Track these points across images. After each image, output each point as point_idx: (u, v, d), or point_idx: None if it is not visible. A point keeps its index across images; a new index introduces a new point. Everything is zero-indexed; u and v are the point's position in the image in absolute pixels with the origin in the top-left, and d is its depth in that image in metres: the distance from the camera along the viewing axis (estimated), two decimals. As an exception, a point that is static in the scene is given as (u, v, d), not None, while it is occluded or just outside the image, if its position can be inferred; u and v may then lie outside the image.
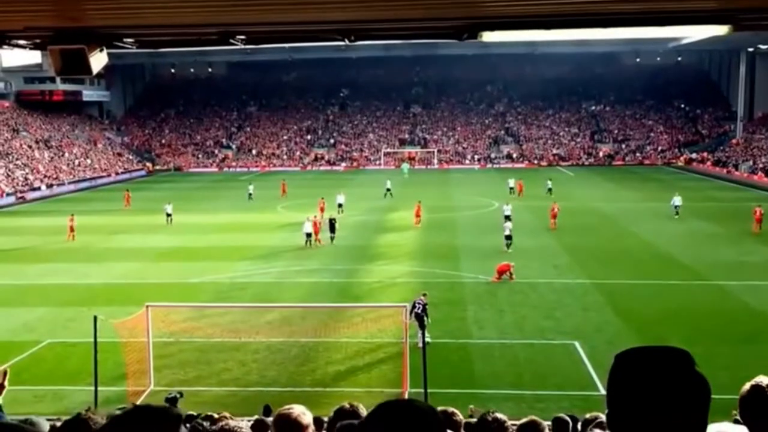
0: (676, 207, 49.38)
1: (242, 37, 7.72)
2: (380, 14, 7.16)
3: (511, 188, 63.16)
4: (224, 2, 6.42)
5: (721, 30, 6.79)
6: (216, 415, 9.60)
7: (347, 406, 5.28)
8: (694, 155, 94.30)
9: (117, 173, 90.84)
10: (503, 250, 37.52)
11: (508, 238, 38.00)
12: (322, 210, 50.46)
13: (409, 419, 1.93)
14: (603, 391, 20.24)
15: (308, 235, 40.44)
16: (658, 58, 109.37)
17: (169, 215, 49.55)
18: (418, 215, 47.47)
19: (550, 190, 61.50)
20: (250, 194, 62.88)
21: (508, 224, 38.80)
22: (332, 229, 41.91)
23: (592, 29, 7.02)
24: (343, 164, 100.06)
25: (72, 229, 44.03)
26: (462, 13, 6.90)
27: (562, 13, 6.60)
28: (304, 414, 4.31)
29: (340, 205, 52.74)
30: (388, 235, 44.84)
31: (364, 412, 5.06)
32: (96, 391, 18.57)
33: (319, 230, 40.93)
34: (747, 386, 3.38)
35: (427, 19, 7.25)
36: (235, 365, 21.79)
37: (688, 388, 1.89)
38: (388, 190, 62.84)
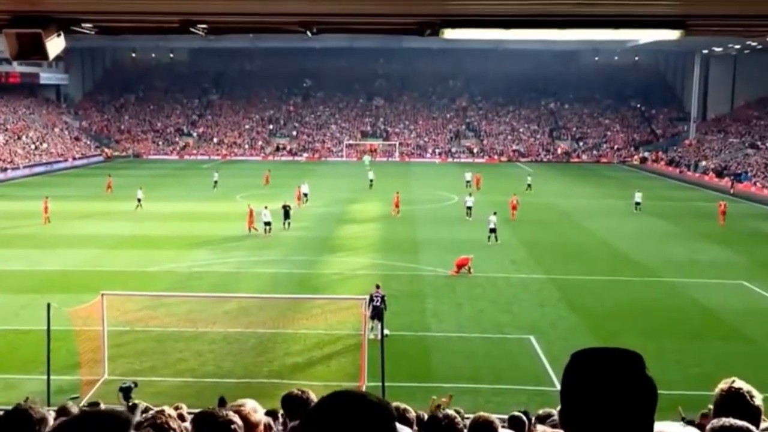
0: (637, 203, 51.36)
1: (204, 26, 7.65)
2: (343, 8, 7.16)
3: (468, 181, 63.98)
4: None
5: (673, 35, 6.93)
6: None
7: (296, 391, 5.15)
8: (647, 154, 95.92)
9: (74, 158, 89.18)
10: (487, 243, 38.06)
11: (493, 231, 38.49)
12: (298, 199, 51.30)
13: (360, 410, 1.90)
14: (558, 386, 20.67)
15: (267, 224, 40.39)
16: (616, 58, 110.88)
17: (139, 200, 49.47)
18: (397, 205, 47.92)
19: (529, 185, 62.32)
20: (216, 182, 62.66)
21: (493, 218, 39.18)
22: (287, 215, 42.40)
23: (550, 30, 7.11)
24: (305, 155, 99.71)
25: (46, 211, 43.86)
26: (425, 10, 6.94)
27: (522, 13, 6.72)
28: (255, 411, 4.19)
29: (305, 195, 53.04)
30: (349, 226, 44.91)
31: (314, 398, 4.93)
32: (48, 380, 18.28)
33: (254, 219, 40.77)
34: (723, 387, 3.67)
35: (389, 15, 7.27)
36: (192, 355, 21.62)
37: (637, 389, 1.96)
38: (371, 181, 63.92)
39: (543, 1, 6.29)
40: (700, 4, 6.48)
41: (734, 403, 3.54)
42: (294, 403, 4.97)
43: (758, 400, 3.59)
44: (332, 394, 1.96)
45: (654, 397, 2.00)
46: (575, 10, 6.38)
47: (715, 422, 3.32)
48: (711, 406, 4.32)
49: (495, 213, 39.71)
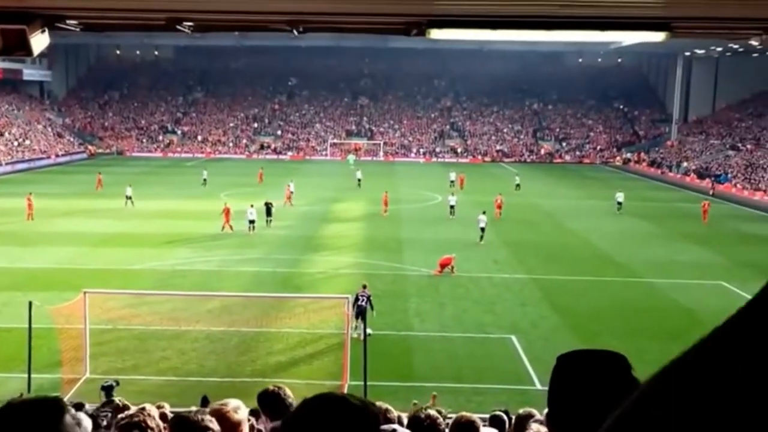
0: (619, 203, 51.90)
1: (189, 24, 7.65)
2: (329, 7, 7.18)
3: (452, 181, 64.22)
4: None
5: (658, 37, 6.98)
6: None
7: (271, 388, 5.11)
8: (630, 155, 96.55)
9: (57, 155, 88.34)
10: (477, 242, 38.38)
11: (482, 230, 38.77)
12: (288, 198, 51.34)
13: (342, 414, 1.85)
14: (539, 386, 20.65)
15: (251, 221, 40.42)
16: (600, 60, 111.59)
17: (128, 197, 49.45)
18: (386, 204, 47.94)
19: (517, 185, 62.60)
20: (204, 180, 62.51)
21: (482, 217, 39.38)
22: (269, 212, 42.56)
23: (537, 31, 7.16)
24: (289, 153, 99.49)
25: (30, 208, 43.75)
26: (411, 10, 6.97)
27: (509, 14, 6.75)
28: (236, 410, 4.16)
29: (291, 193, 53.06)
30: (333, 225, 44.90)
31: (289, 394, 4.96)
32: (29, 378, 18.20)
33: (230, 218, 40.63)
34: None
35: (376, 14, 7.30)
36: (174, 354, 21.56)
37: (623, 391, 1.67)
38: (359, 180, 63.98)
39: (529, 2, 6.35)
40: (684, 7, 6.54)
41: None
42: (270, 400, 4.95)
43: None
44: (314, 397, 1.91)
45: None
46: (561, 12, 6.44)
47: None
48: None
49: (484, 212, 39.96)
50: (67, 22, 7.43)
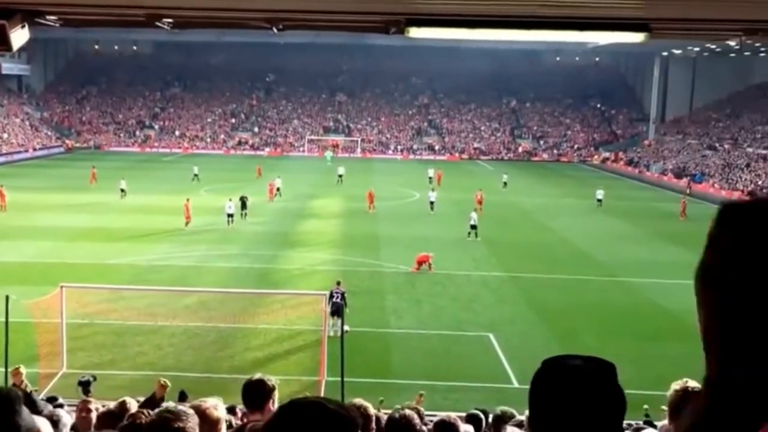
0: (599, 200, 53.34)
1: (169, 20, 7.66)
2: (308, 5, 7.22)
3: (431, 178, 64.56)
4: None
5: (637, 37, 7.04)
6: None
7: (256, 377, 5.14)
8: (607, 154, 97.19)
9: (34, 149, 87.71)
10: (468, 239, 38.60)
11: (473, 227, 39.05)
12: (270, 193, 51.96)
13: (319, 420, 1.84)
14: (516, 384, 20.72)
15: (230, 215, 40.74)
16: (577, 58, 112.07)
17: (123, 191, 50.18)
18: (371, 200, 47.83)
19: (505, 183, 62.84)
20: (196, 175, 62.44)
21: (474, 215, 39.83)
22: (243, 206, 42.98)
23: (516, 30, 7.21)
24: (267, 149, 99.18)
25: (3, 200, 43.75)
26: (390, 8, 7.00)
27: (488, 13, 6.77)
28: (216, 408, 4.15)
29: (278, 189, 53.53)
30: (310, 222, 44.85)
31: (273, 382, 5.01)
32: (6, 372, 18.07)
33: (190, 215, 40.41)
34: (676, 388, 3.69)
35: (355, 12, 7.33)
36: (151, 349, 21.51)
37: (607, 400, 1.92)
38: (340, 176, 63.97)
39: (508, 2, 6.39)
40: (663, 8, 6.57)
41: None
42: (255, 391, 4.97)
43: None
44: (290, 402, 1.90)
45: (623, 407, 1.95)
46: (540, 12, 6.48)
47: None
48: (664, 407, 4.33)
49: (475, 210, 40.50)
50: (47, 17, 7.41)
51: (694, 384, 3.69)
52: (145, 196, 52.34)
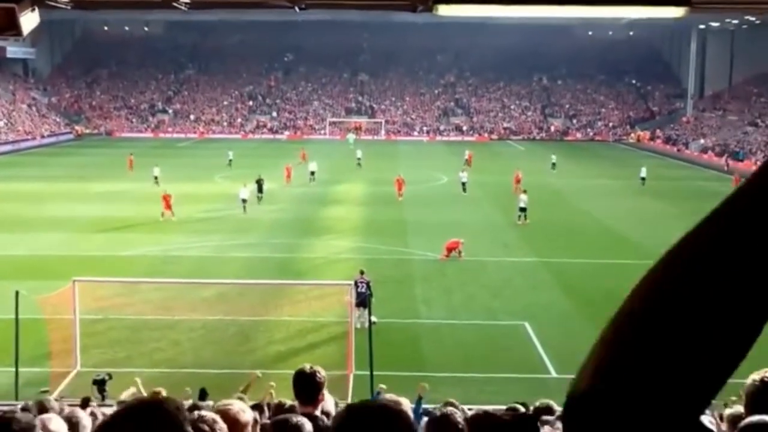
0: (642, 178, 53.36)
1: (186, 1, 6.90)
2: None
3: (466, 160, 63.21)
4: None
5: (678, 12, 6.70)
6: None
7: (308, 369, 5.31)
8: (641, 132, 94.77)
9: (43, 136, 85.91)
10: (516, 222, 38.01)
11: (523, 209, 38.34)
12: (288, 177, 51.33)
13: (381, 425, 1.95)
14: (554, 374, 19.70)
15: (243, 200, 39.80)
16: (610, 33, 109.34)
17: (156, 178, 48.99)
18: (400, 188, 45.59)
19: (553, 164, 61.73)
20: (230, 160, 61.32)
21: (523, 196, 39.03)
22: (260, 189, 42.88)
23: (549, 6, 6.66)
24: (286, 133, 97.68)
25: None
26: None
27: None
28: (243, 411, 4.09)
29: (312, 173, 52.58)
30: (332, 208, 43.87)
31: (323, 376, 5.21)
32: (17, 372, 17.31)
33: (170, 204, 38.04)
34: (755, 378, 3.55)
35: None
36: (169, 345, 20.76)
37: None
38: (359, 159, 63.11)
39: None
40: None
41: None
42: (305, 382, 5.18)
43: None
44: (349, 408, 2.07)
45: None
46: None
47: (754, 419, 3.21)
48: (742, 394, 4.22)
49: (525, 191, 39.69)
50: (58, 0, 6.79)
51: None
52: (162, 184, 50.91)
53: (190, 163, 64.25)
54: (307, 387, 5.16)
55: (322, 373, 5.25)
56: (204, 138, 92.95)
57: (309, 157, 59.91)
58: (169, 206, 38.05)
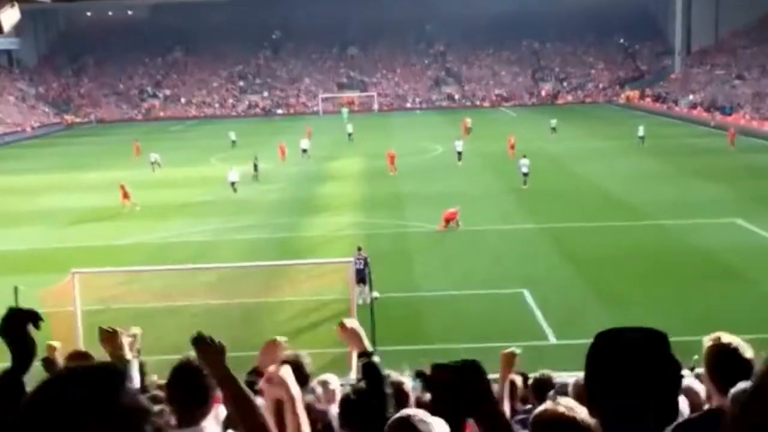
0: (641, 137, 53.17)
1: None
2: None
3: (469, 128, 63.41)
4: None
5: None
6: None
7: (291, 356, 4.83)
8: (631, 93, 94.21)
9: (32, 128, 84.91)
10: (521, 187, 38.22)
11: (525, 174, 38.57)
12: (282, 153, 51.13)
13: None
14: (553, 340, 19.81)
15: (232, 183, 39.70)
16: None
17: (153, 163, 48.84)
18: (392, 162, 45.11)
19: (553, 128, 61.50)
20: (233, 141, 60.83)
21: (525, 161, 39.08)
22: (255, 168, 43.65)
23: None
24: (279, 111, 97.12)
25: None
26: None
27: None
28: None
29: (304, 151, 52.38)
30: (328, 184, 43.57)
31: (308, 362, 4.97)
32: (21, 368, 17.29)
33: (129, 194, 37.12)
34: (708, 344, 3.76)
35: None
36: (173, 331, 20.49)
37: (662, 371, 2.04)
38: (350, 134, 62.86)
39: None
40: None
41: (728, 359, 3.62)
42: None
43: (749, 353, 3.66)
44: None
45: (679, 376, 2.10)
46: None
47: (737, 390, 3.35)
48: (696, 357, 4.61)
49: (525, 156, 39.66)
50: None
51: (729, 339, 3.71)
52: (151, 169, 50.53)
53: (185, 145, 63.85)
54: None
55: (307, 359, 5.04)
56: (198, 119, 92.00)
57: (312, 134, 60.04)
58: (126, 196, 37.11)
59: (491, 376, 6.42)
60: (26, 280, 21.06)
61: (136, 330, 5.10)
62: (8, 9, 6.11)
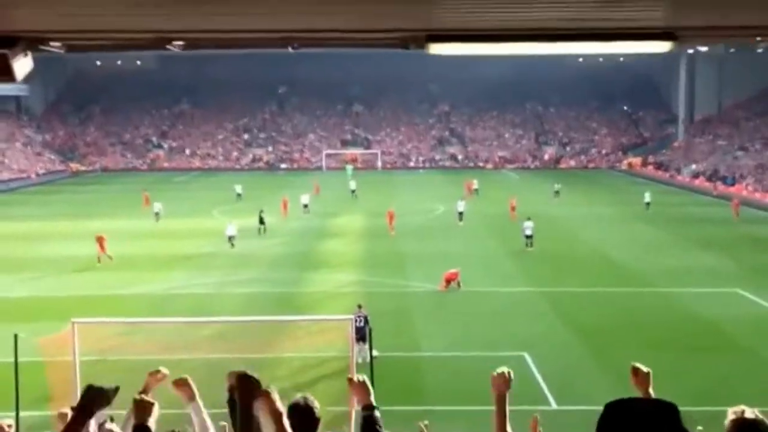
0: (647, 203, 54.32)
1: (180, 42, 7.12)
2: (325, 24, 6.90)
3: (476, 189, 64.50)
4: (161, 9, 5.85)
5: (664, 47, 6.81)
6: None
7: (301, 401, 4.87)
8: (633, 159, 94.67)
9: (37, 174, 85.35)
10: (525, 249, 38.47)
11: (529, 237, 38.84)
12: (284, 207, 51.69)
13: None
14: (554, 406, 19.76)
15: (230, 237, 40.16)
16: (601, 59, 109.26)
17: (157, 214, 49.67)
18: (391, 221, 45.04)
19: (557, 192, 62.30)
20: (239, 194, 61.62)
21: (529, 223, 39.37)
22: (261, 221, 44.09)
23: (540, 44, 7.00)
24: (283, 165, 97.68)
25: None
26: (410, 25, 6.69)
27: (511, 27, 6.52)
28: None
29: (305, 206, 53.03)
30: (330, 241, 43.70)
31: (317, 405, 4.78)
32: (17, 416, 17.26)
33: (105, 247, 36.94)
34: (731, 417, 3.75)
35: (373, 30, 7.05)
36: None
37: None
38: (353, 191, 63.26)
39: (532, 16, 6.21)
40: (690, 17, 6.40)
41: None
42: (299, 413, 4.81)
43: None
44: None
45: None
46: (566, 25, 6.33)
47: None
48: (701, 428, 5.21)
49: (529, 218, 39.88)
50: (51, 44, 6.96)
51: (751, 414, 3.73)
52: (155, 220, 50.70)
53: (189, 197, 64.26)
54: (304, 420, 4.85)
55: (316, 403, 4.95)
56: (202, 171, 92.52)
57: (320, 190, 60.53)
58: (103, 248, 36.89)
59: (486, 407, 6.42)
60: (27, 327, 21.13)
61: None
62: (21, 58, 6.36)
